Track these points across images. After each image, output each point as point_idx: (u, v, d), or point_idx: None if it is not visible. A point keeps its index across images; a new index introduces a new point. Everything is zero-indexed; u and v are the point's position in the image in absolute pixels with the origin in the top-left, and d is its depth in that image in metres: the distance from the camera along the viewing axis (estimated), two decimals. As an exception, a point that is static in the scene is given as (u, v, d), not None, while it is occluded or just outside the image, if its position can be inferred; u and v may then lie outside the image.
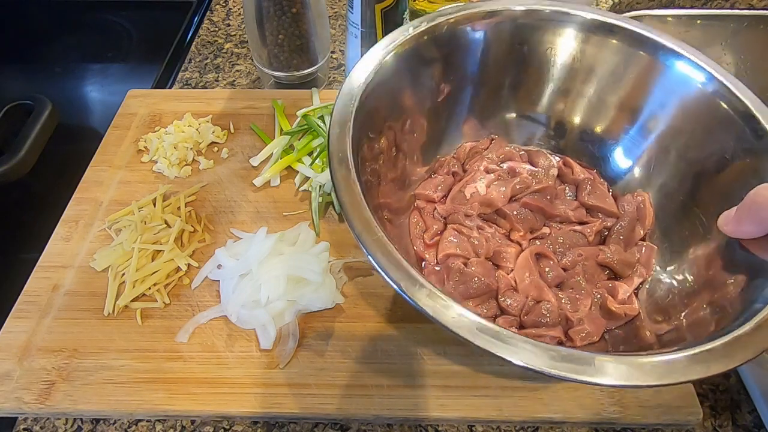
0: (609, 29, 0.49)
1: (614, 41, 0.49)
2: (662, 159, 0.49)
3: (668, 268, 0.45)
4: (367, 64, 0.43)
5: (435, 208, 0.50)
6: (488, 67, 0.51)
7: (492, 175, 0.51)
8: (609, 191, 0.51)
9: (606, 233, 0.49)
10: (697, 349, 0.31)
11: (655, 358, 0.31)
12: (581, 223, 0.49)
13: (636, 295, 0.45)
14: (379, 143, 0.45)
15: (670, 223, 0.47)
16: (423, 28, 0.46)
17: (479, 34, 0.49)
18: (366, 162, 0.42)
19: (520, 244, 0.48)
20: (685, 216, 0.46)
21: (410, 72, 0.47)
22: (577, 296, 0.44)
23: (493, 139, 0.54)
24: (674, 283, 0.44)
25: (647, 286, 0.45)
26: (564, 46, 0.51)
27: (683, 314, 0.40)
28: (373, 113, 0.43)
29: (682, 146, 0.47)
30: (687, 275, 0.43)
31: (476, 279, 0.43)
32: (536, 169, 0.52)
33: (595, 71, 0.51)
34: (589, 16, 0.49)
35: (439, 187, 0.50)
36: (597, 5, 0.83)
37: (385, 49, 0.45)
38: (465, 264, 0.45)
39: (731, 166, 0.43)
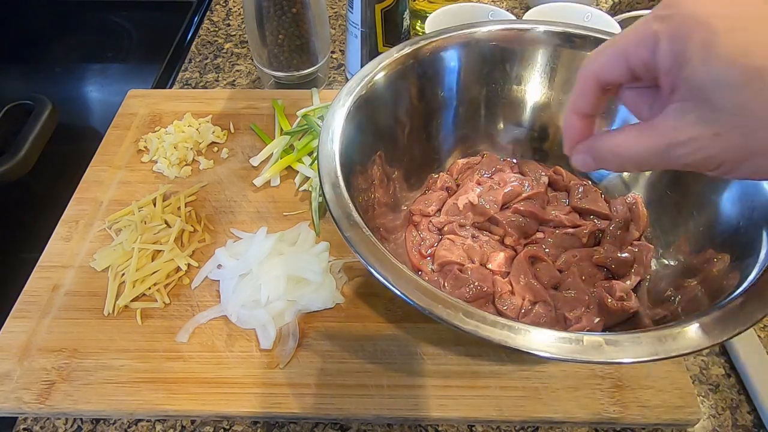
0: (577, 39, 0.51)
1: (584, 51, 0.51)
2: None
3: (662, 259, 0.46)
4: (343, 102, 0.44)
5: (430, 221, 0.50)
6: (473, 86, 0.53)
7: (483, 186, 0.51)
8: (601, 196, 0.52)
9: (600, 235, 0.50)
10: (686, 324, 0.32)
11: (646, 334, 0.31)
12: (575, 227, 0.49)
13: (636, 293, 0.45)
14: (370, 174, 0.46)
15: (658, 215, 0.48)
16: (405, 52, 0.48)
17: (461, 57, 0.51)
18: (360, 193, 0.43)
19: (514, 249, 0.48)
20: (672, 205, 0.47)
21: (395, 98, 0.49)
22: (574, 296, 0.44)
23: (484, 155, 0.55)
24: (668, 271, 0.45)
25: (647, 284, 0.46)
26: (541, 61, 0.52)
27: (678, 299, 0.41)
28: (360, 146, 0.44)
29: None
30: (678, 261, 0.45)
31: (472, 283, 0.44)
32: (527, 178, 0.52)
33: (571, 79, 0.52)
34: (559, 29, 0.51)
35: (434, 202, 0.51)
36: (597, 5, 0.83)
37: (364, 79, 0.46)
38: (461, 270, 0.45)
39: None
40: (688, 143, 0.27)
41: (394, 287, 0.33)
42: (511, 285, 0.45)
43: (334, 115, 0.43)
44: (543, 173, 0.53)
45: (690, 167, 0.28)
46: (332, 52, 0.79)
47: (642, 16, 0.87)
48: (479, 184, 0.52)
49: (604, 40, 0.50)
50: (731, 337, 0.31)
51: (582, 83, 0.31)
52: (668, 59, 0.27)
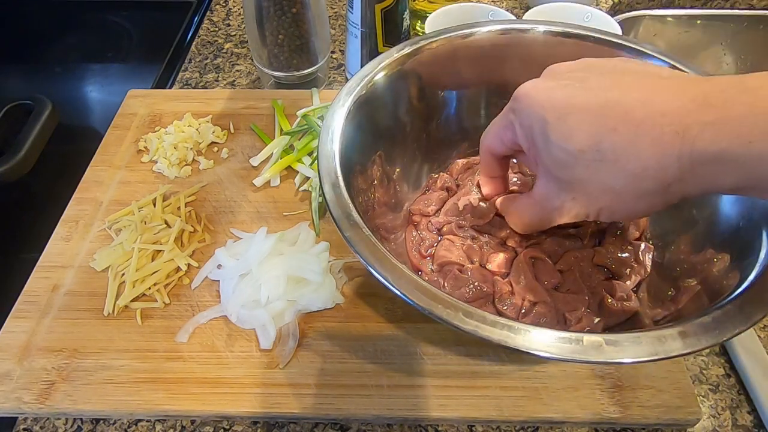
0: (576, 39, 0.50)
1: (580, 48, 0.51)
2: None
3: (664, 260, 0.46)
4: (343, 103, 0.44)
5: (429, 221, 0.50)
6: (473, 86, 0.53)
7: None
8: None
9: (601, 236, 0.49)
10: (687, 324, 0.32)
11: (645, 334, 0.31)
12: (575, 227, 0.49)
13: (636, 293, 0.45)
14: (370, 174, 0.46)
15: (658, 215, 0.48)
16: (405, 52, 0.48)
17: (461, 57, 0.51)
18: (360, 193, 0.43)
19: (515, 250, 0.48)
20: (672, 205, 0.47)
21: (395, 98, 0.49)
22: (574, 296, 0.44)
23: None
24: (669, 271, 0.45)
25: (646, 284, 0.46)
26: (539, 59, 0.52)
27: (678, 299, 0.41)
28: (360, 145, 0.44)
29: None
30: (679, 261, 0.44)
31: (472, 284, 0.44)
32: (527, 177, 0.52)
33: None
34: (559, 29, 0.51)
35: (434, 202, 0.51)
36: (597, 5, 0.83)
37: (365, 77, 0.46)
38: (460, 270, 0.45)
39: None
40: (560, 207, 0.34)
41: (394, 287, 0.33)
42: (511, 285, 0.45)
43: (334, 115, 0.43)
44: None
45: (572, 221, 0.35)
46: (332, 52, 0.79)
47: (642, 16, 0.87)
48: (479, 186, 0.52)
49: (605, 40, 0.50)
50: (731, 337, 0.31)
51: (483, 156, 0.41)
52: (524, 142, 0.34)
